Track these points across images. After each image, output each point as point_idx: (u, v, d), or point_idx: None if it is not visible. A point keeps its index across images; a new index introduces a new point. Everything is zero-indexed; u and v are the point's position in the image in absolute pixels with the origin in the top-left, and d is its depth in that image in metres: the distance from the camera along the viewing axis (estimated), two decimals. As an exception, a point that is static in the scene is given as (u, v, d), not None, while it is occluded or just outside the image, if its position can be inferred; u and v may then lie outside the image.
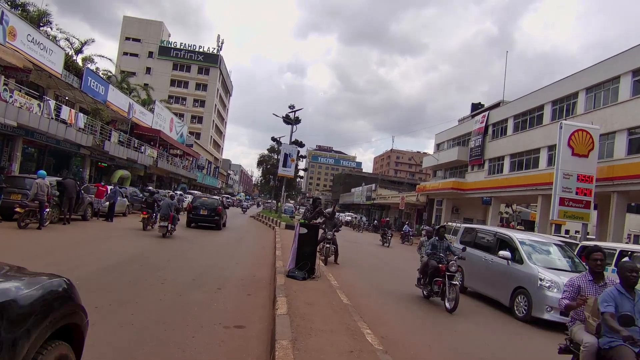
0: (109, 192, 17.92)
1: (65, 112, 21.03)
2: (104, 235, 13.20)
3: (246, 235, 19.62)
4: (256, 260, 11.50)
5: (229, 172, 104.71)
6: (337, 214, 57.24)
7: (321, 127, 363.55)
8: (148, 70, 72.98)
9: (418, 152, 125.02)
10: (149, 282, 7.23)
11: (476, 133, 35.82)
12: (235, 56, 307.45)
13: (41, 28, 22.74)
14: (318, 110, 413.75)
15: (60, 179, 15.12)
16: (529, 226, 28.49)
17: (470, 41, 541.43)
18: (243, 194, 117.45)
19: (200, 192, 44.23)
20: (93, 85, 26.03)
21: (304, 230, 8.62)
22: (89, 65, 26.62)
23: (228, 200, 45.47)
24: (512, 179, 29.54)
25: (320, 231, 12.77)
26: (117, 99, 29.83)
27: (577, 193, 20.44)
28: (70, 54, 25.88)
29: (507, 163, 31.34)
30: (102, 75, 29.17)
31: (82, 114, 22.71)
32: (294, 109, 33.73)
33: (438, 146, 45.40)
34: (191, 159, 52.69)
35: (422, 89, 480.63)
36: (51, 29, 24.50)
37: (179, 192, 31.44)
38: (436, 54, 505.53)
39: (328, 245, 12.31)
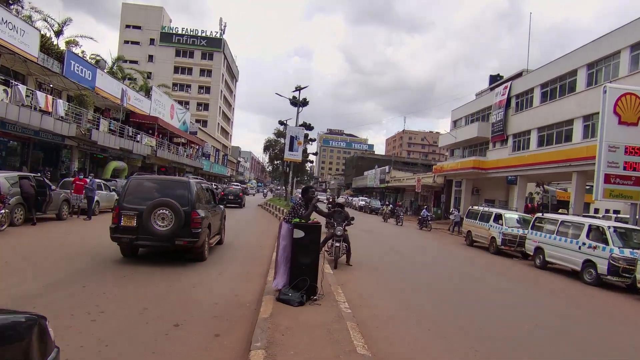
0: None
1: (42, 99, 18.82)
2: (59, 239, 11.08)
3: (245, 229, 17.39)
4: (247, 267, 9.17)
5: (239, 159, 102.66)
6: (348, 198, 54.53)
7: (331, 110, 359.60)
8: (150, 58, 70.92)
9: (430, 131, 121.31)
10: (82, 317, 4.95)
11: (497, 107, 32.83)
12: (242, 43, 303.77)
13: (11, 7, 20.45)
14: (327, 94, 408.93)
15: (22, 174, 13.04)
16: (564, 206, 25.70)
17: (478, 16, 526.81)
18: (255, 181, 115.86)
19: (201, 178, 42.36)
20: (77, 70, 23.79)
21: (300, 234, 6.16)
22: (72, 48, 24.27)
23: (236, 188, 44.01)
24: (540, 155, 26.67)
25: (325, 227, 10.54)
26: (107, 85, 27.59)
27: (625, 168, 17.55)
28: (49, 36, 23.53)
29: (534, 138, 28.44)
30: (89, 60, 26.90)
31: (61, 101, 20.44)
32: (300, 88, 31.44)
33: (455, 123, 42.34)
34: (196, 147, 50.51)
35: (431, 68, 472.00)
36: (22, 7, 22.14)
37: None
38: (444, 31, 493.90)
39: (338, 245, 9.95)
